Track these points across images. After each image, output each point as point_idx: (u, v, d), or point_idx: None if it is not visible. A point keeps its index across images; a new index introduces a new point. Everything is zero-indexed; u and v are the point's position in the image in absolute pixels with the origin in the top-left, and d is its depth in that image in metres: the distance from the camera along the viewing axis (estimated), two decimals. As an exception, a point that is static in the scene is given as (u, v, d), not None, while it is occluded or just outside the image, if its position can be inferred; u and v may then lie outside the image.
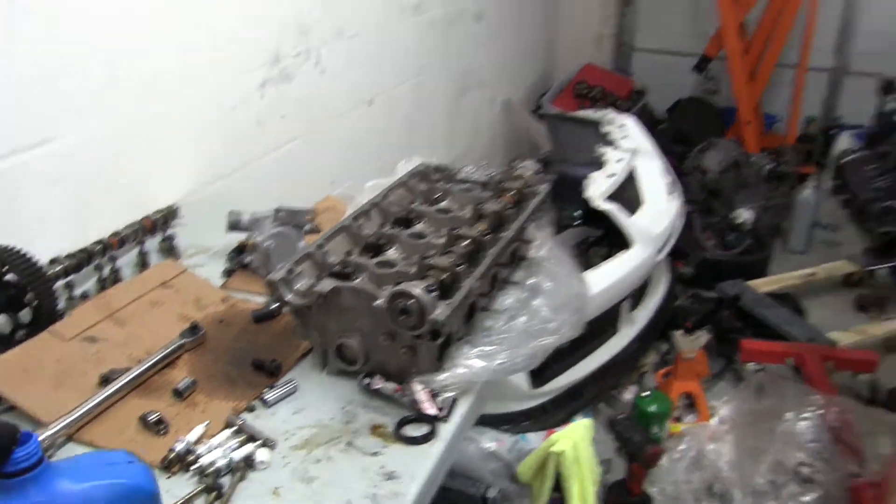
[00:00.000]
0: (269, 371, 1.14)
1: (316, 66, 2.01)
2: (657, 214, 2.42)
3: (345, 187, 2.06)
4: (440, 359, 1.09)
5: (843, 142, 3.64)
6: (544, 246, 1.38)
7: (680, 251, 2.77)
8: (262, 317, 1.27)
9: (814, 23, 3.68)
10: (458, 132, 3.08)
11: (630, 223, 2.30)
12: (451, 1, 2.79)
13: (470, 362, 1.06)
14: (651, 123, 3.85)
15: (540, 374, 2.10)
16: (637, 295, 2.46)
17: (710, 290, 2.82)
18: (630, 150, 2.59)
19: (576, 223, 2.44)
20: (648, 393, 2.18)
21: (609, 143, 2.66)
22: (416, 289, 1.02)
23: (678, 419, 2.28)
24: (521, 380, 2.05)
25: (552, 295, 1.22)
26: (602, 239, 2.39)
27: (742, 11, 3.68)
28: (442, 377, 1.05)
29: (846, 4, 4.00)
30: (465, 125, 3.15)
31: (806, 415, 1.94)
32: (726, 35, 3.65)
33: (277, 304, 1.21)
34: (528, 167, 1.53)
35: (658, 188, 2.50)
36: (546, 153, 2.92)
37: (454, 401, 1.07)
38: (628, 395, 2.42)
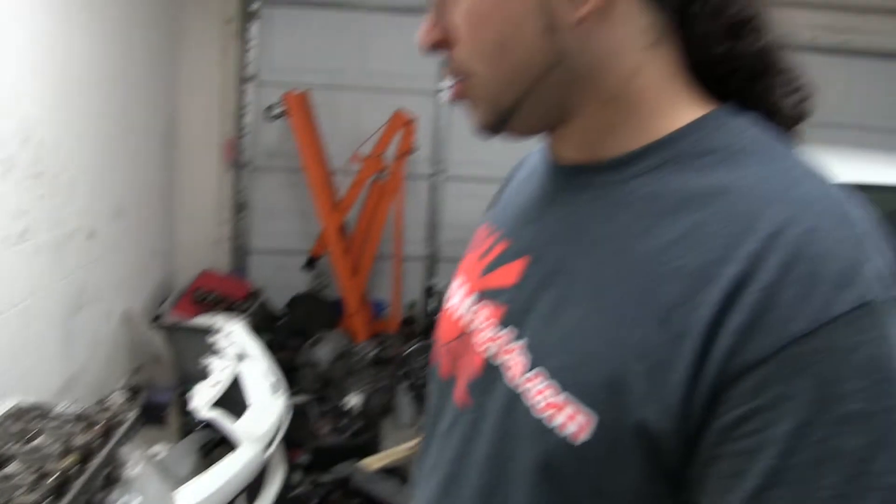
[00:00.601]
0: None
1: None
2: (263, 414, 3.00)
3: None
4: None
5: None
6: (139, 465, 1.84)
7: (297, 441, 3.36)
8: None
9: (402, 220, 4.78)
10: (74, 351, 3.37)
11: (235, 427, 2.83)
12: (60, 223, 3.17)
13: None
14: (270, 320, 4.55)
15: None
16: (253, 490, 2.95)
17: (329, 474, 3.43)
18: (235, 356, 3.17)
19: (198, 427, 2.90)
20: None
21: (216, 351, 3.22)
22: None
23: None
24: None
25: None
26: (224, 439, 2.87)
27: (339, 216, 4.65)
28: None
29: (430, 203, 5.29)
30: (83, 342, 3.46)
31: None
32: (328, 237, 4.57)
33: None
34: (116, 398, 2.00)
35: (263, 389, 3.10)
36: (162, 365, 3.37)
37: None
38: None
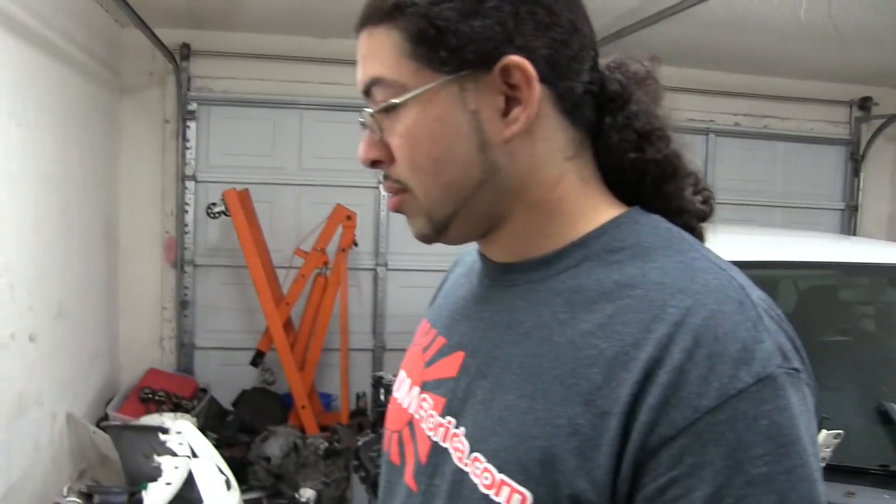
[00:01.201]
0: None
1: None
2: (218, 511, 2.95)
3: None
4: None
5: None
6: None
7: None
8: None
9: (346, 313, 4.82)
10: (15, 458, 3.26)
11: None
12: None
13: None
14: (218, 417, 4.49)
15: None
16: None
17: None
18: (186, 455, 3.13)
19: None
20: None
21: (166, 451, 3.16)
22: None
23: None
24: None
25: None
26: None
27: (284, 311, 4.67)
28: None
29: (374, 295, 5.37)
30: (24, 448, 3.35)
31: None
32: (274, 332, 4.56)
33: None
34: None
35: (216, 487, 3.05)
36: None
37: None
38: None
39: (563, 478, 0.65)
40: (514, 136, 0.74)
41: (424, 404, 0.84)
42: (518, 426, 0.69)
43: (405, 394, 0.89)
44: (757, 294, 0.68)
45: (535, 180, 0.76)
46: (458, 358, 0.81)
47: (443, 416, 0.79)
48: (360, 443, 2.95)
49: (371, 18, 0.76)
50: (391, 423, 0.91)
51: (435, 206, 0.77)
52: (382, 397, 3.05)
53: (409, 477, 0.83)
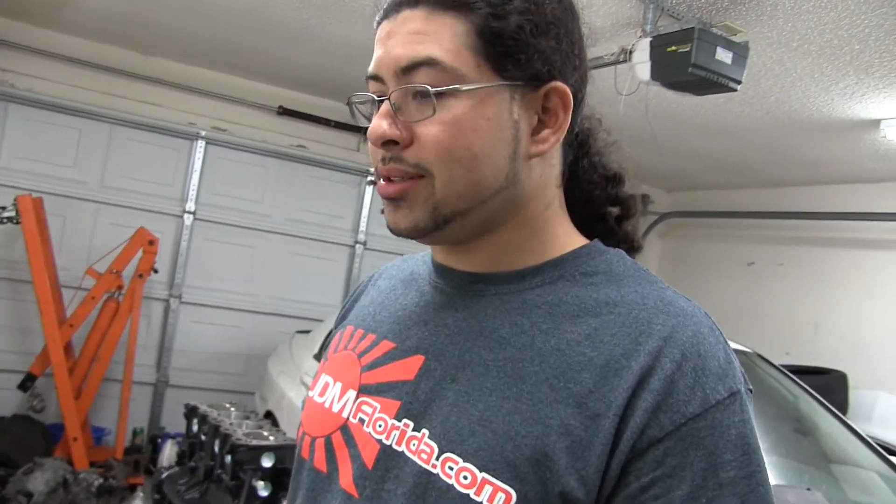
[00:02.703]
0: None
1: None
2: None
3: None
4: None
5: (168, 450, 4.39)
6: None
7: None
8: None
9: (135, 342, 4.50)
10: None
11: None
12: None
13: None
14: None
15: None
16: None
17: None
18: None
19: None
20: None
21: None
22: None
23: None
24: None
25: None
26: None
27: (67, 334, 4.28)
28: None
29: (163, 327, 5.07)
30: None
31: None
32: (53, 355, 4.14)
33: None
34: None
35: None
36: None
37: None
38: None
39: (553, 476, 0.68)
40: (539, 154, 0.79)
41: (366, 408, 0.82)
42: (504, 426, 0.71)
43: (335, 398, 0.87)
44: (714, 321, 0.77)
45: (535, 199, 0.81)
46: (416, 361, 0.81)
47: (397, 418, 0.79)
48: (163, 475, 2.75)
49: (434, 1, 0.76)
50: (314, 428, 0.88)
51: (450, 200, 0.77)
52: (195, 428, 2.87)
53: (346, 483, 0.81)
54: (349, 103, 0.85)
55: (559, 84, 0.78)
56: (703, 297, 6.08)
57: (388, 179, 0.79)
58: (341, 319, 1.03)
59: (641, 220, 6.21)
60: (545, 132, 0.79)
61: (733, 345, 3.09)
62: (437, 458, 0.73)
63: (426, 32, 0.75)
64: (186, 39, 4.42)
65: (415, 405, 0.78)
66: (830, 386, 4.65)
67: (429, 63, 0.74)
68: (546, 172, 0.82)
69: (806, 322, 5.50)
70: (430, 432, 0.75)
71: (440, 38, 0.75)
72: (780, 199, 5.76)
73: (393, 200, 0.79)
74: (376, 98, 0.79)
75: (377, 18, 0.81)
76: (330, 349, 0.96)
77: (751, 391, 0.73)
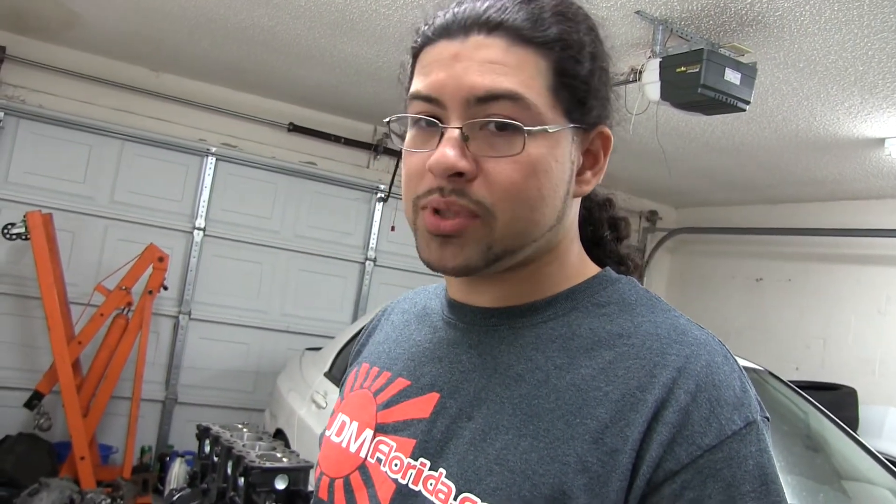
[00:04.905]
0: None
1: None
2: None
3: None
4: None
5: (177, 468, 4.40)
6: None
7: None
8: None
9: (144, 359, 4.53)
10: None
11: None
12: None
13: None
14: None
15: None
16: None
17: None
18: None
19: None
20: None
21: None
22: None
23: None
24: None
25: None
26: None
27: (75, 351, 4.31)
28: None
29: (172, 345, 5.11)
30: None
31: None
32: (61, 372, 4.17)
33: None
34: None
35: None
36: None
37: None
38: None
39: None
40: (583, 194, 0.82)
41: (382, 447, 0.82)
42: (521, 464, 0.71)
43: (352, 438, 0.87)
44: (728, 350, 0.77)
45: (565, 236, 0.82)
46: (431, 399, 0.81)
47: (413, 457, 0.78)
48: (175, 497, 2.78)
49: (514, 32, 0.74)
50: (333, 469, 0.88)
51: (506, 239, 0.75)
52: (207, 449, 2.89)
53: None
54: (388, 123, 0.81)
55: (606, 129, 0.81)
56: (712, 312, 6.16)
57: (436, 212, 0.75)
58: (357, 355, 1.03)
59: (650, 236, 6.29)
60: (587, 174, 0.81)
61: (743, 362, 3.14)
62: (455, 499, 0.72)
63: (507, 64, 0.73)
64: (197, 56, 4.49)
65: (431, 444, 0.78)
66: (840, 402, 4.67)
67: (512, 97, 0.72)
68: (574, 211, 0.84)
69: (815, 338, 5.53)
70: (447, 472, 0.75)
71: (522, 73, 0.73)
72: (787, 215, 5.82)
73: (444, 237, 0.75)
74: (439, 123, 0.75)
75: (429, 33, 0.77)
76: (346, 388, 0.96)
77: (767, 419, 0.73)
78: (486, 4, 0.75)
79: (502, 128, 0.72)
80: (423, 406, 0.81)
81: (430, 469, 0.76)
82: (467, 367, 0.81)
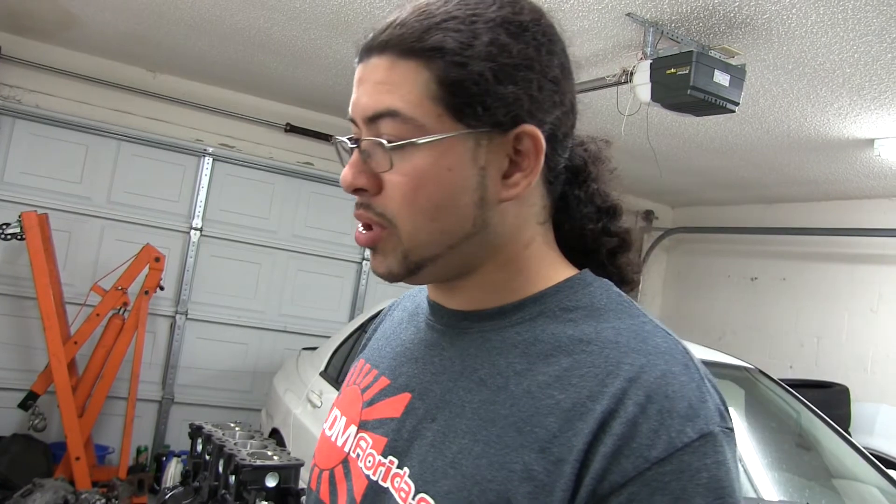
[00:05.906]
0: None
1: None
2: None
3: None
4: None
5: (172, 468, 4.43)
6: None
7: None
8: None
9: (140, 359, 4.55)
10: None
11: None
12: None
13: None
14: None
15: None
16: None
17: None
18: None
19: None
20: None
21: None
22: None
23: None
24: None
25: None
26: None
27: (71, 351, 4.33)
28: None
29: (169, 344, 5.14)
30: None
31: None
32: (56, 372, 4.18)
33: None
34: None
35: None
36: None
37: None
38: None
39: None
40: (511, 198, 0.78)
41: (362, 443, 0.84)
42: (472, 469, 0.72)
43: (340, 432, 0.90)
44: (696, 358, 0.74)
45: (513, 240, 0.81)
46: (403, 399, 0.83)
47: (384, 455, 0.80)
48: (167, 496, 2.80)
49: (398, 48, 0.75)
50: (322, 461, 0.91)
51: (417, 248, 0.77)
52: (199, 448, 2.92)
53: None
54: (334, 142, 0.84)
55: (529, 127, 0.76)
56: (707, 311, 6.22)
57: (366, 226, 0.80)
58: (361, 349, 1.05)
59: (646, 235, 6.32)
60: (517, 176, 0.78)
61: (734, 360, 3.17)
62: (413, 498, 0.74)
63: (390, 82, 0.75)
64: (194, 57, 4.52)
65: (399, 443, 0.79)
66: (833, 399, 4.72)
67: (391, 114, 0.75)
68: (523, 213, 0.81)
69: (809, 336, 5.58)
70: (409, 471, 0.76)
71: (402, 89, 0.74)
72: (781, 214, 5.87)
73: (370, 247, 0.81)
74: (350, 144, 0.80)
75: (355, 61, 0.81)
76: (344, 382, 0.99)
77: (730, 429, 0.71)
78: (387, 22, 0.78)
79: (393, 143, 0.75)
80: (396, 405, 0.83)
81: (397, 467, 0.78)
82: (438, 370, 0.82)
